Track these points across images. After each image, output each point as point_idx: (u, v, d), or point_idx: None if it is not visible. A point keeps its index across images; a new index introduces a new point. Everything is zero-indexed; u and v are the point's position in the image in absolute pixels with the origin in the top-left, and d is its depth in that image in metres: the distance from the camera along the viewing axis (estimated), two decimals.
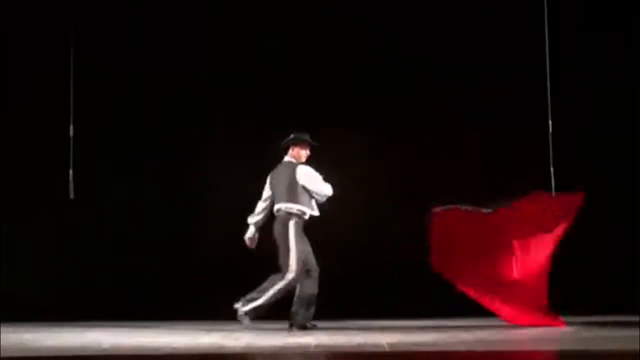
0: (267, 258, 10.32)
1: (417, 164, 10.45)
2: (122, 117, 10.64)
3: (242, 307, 8.08)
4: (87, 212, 10.40)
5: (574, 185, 9.80)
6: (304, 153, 8.38)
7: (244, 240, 8.42)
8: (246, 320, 8.07)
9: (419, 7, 10.59)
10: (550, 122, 8.56)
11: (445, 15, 10.56)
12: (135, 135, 10.64)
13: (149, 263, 10.42)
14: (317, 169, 8.29)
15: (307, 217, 8.26)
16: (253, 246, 8.43)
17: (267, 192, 8.41)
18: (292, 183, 8.24)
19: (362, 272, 10.19)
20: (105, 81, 10.54)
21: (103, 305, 10.12)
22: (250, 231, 8.46)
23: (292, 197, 8.21)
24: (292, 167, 8.31)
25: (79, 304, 10.28)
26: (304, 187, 8.23)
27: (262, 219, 8.44)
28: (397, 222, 10.10)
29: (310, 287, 8.17)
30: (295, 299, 8.18)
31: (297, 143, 8.37)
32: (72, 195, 8.60)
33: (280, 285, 8.10)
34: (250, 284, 10.20)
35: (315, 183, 8.25)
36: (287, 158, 8.41)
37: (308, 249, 8.23)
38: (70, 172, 8.63)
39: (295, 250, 8.11)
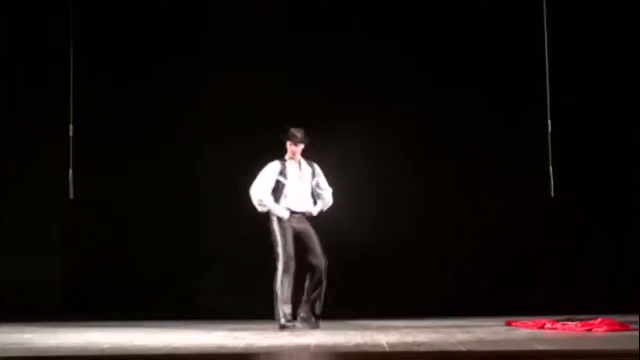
0: (266, 258, 10.34)
1: (414, 163, 10.42)
2: (122, 116, 10.62)
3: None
4: (87, 212, 10.39)
5: (573, 185, 9.85)
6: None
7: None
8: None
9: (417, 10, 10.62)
10: (549, 122, 8.56)
11: (438, 14, 10.54)
12: (135, 135, 10.62)
13: (149, 263, 10.41)
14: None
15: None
16: None
17: None
18: None
19: (362, 272, 10.18)
20: (105, 80, 10.53)
21: (103, 305, 10.11)
22: None
23: None
24: None
25: (79, 304, 10.27)
26: None
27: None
28: (396, 222, 10.08)
29: None
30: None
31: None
32: (72, 196, 8.59)
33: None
34: (250, 283, 10.24)
35: None
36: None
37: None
38: (70, 172, 8.62)
39: None
